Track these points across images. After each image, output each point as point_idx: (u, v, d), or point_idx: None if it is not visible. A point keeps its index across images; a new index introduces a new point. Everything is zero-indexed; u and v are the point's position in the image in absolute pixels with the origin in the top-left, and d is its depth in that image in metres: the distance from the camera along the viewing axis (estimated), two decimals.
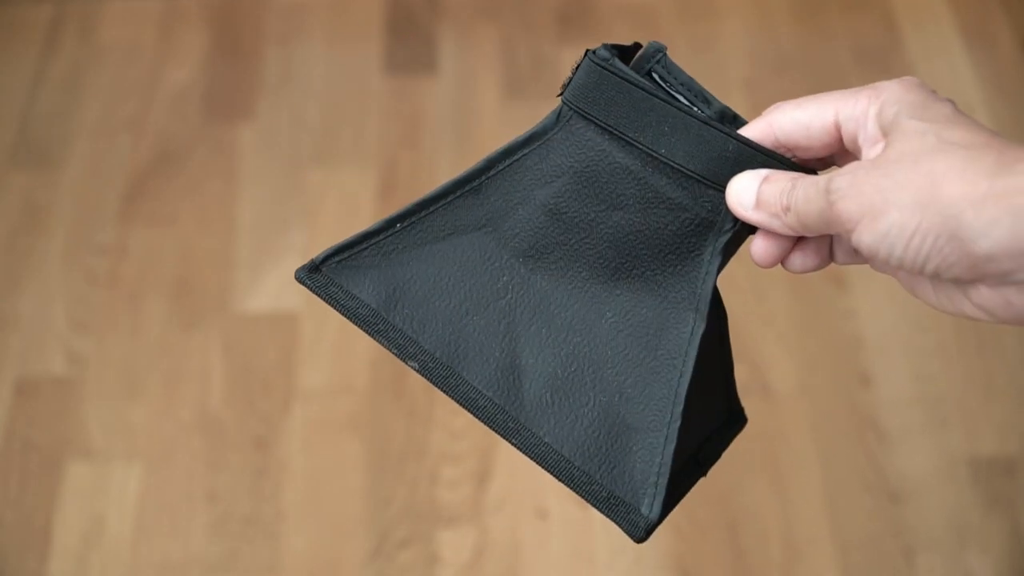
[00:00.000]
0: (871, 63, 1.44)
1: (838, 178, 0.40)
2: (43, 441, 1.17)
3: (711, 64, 1.45)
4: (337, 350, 1.22)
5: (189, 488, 1.14)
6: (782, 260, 0.45)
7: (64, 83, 1.46)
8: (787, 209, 0.42)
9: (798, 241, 0.45)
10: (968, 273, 0.38)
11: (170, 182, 1.36)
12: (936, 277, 0.39)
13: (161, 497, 1.14)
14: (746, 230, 0.45)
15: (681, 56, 1.45)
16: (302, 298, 1.26)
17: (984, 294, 0.38)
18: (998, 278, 0.37)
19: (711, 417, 0.48)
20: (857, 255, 0.45)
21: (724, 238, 0.45)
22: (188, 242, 1.31)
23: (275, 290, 1.27)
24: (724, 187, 0.44)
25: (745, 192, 0.43)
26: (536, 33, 1.50)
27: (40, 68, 1.47)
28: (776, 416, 1.16)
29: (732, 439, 0.48)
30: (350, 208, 1.33)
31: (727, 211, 0.44)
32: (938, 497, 1.12)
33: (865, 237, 0.39)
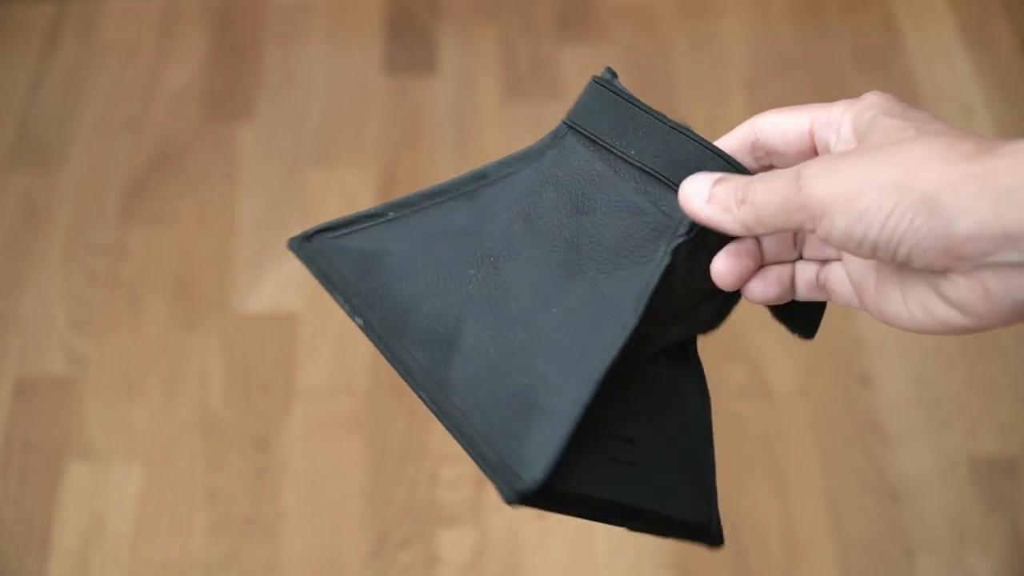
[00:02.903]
0: (871, 63, 1.44)
1: (810, 165, 0.39)
2: (43, 441, 1.17)
3: (711, 64, 1.45)
4: (337, 350, 1.22)
5: (189, 488, 1.14)
6: (742, 283, 0.45)
7: (64, 83, 1.46)
8: (742, 202, 0.42)
9: (760, 268, 0.45)
10: (942, 258, 0.37)
11: (170, 182, 1.36)
12: (907, 265, 0.38)
13: (161, 497, 1.14)
14: (712, 240, 0.45)
15: (681, 56, 1.46)
16: (302, 298, 1.27)
17: (959, 285, 0.38)
18: (974, 260, 0.36)
19: (676, 494, 0.48)
20: (818, 288, 0.45)
21: (677, 241, 0.45)
22: (188, 242, 1.31)
23: (275, 290, 1.27)
24: None
25: (697, 189, 0.43)
26: (536, 33, 1.50)
27: (40, 68, 1.47)
28: (776, 417, 1.16)
29: (685, 539, 0.48)
30: (350, 208, 1.33)
31: (683, 214, 0.45)
32: (938, 497, 1.12)
33: (839, 220, 0.38)
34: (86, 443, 1.17)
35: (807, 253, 0.46)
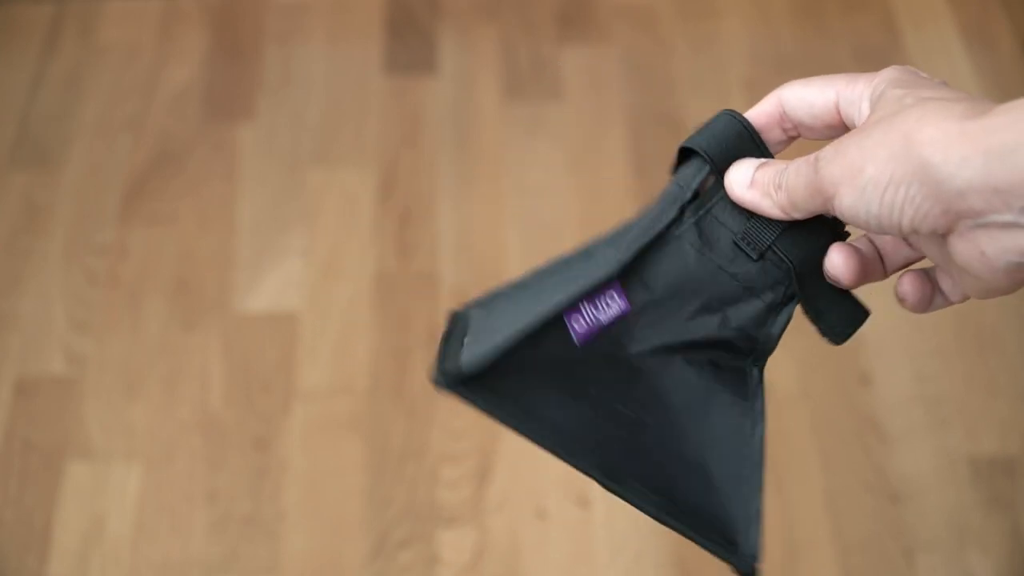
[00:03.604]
0: (871, 63, 1.44)
1: (826, 147, 0.41)
2: (43, 441, 1.17)
3: (711, 64, 1.45)
4: (337, 350, 1.22)
5: (189, 488, 1.14)
6: (856, 280, 0.45)
7: (64, 83, 1.46)
8: (779, 187, 0.43)
9: (880, 270, 0.46)
10: (942, 220, 0.37)
11: (170, 182, 1.36)
12: (916, 233, 0.39)
13: (161, 497, 1.14)
14: (724, 216, 0.45)
15: (681, 56, 1.46)
16: (302, 298, 1.27)
17: (960, 249, 0.38)
18: (971, 220, 0.37)
19: (699, 495, 0.48)
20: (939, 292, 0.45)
21: (683, 200, 0.46)
22: (188, 242, 1.31)
23: (275, 290, 1.27)
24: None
25: (741, 175, 0.45)
26: (536, 33, 1.50)
27: (40, 68, 1.47)
28: (776, 416, 1.16)
29: (711, 549, 0.48)
30: (350, 208, 1.33)
31: (692, 182, 0.45)
32: (938, 497, 1.12)
33: (846, 199, 0.39)
34: (86, 443, 1.17)
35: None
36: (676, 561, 1.09)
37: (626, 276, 0.45)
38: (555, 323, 0.44)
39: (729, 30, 1.49)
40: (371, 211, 1.33)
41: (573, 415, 0.45)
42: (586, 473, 0.45)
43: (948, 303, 0.46)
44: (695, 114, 1.37)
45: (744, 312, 0.46)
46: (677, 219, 0.46)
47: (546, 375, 0.44)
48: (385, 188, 1.35)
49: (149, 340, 1.24)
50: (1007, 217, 0.36)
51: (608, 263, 0.45)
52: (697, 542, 0.47)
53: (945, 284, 0.45)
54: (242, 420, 1.18)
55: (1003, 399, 1.18)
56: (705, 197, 0.46)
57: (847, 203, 0.39)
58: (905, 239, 0.45)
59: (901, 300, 0.45)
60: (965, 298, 0.45)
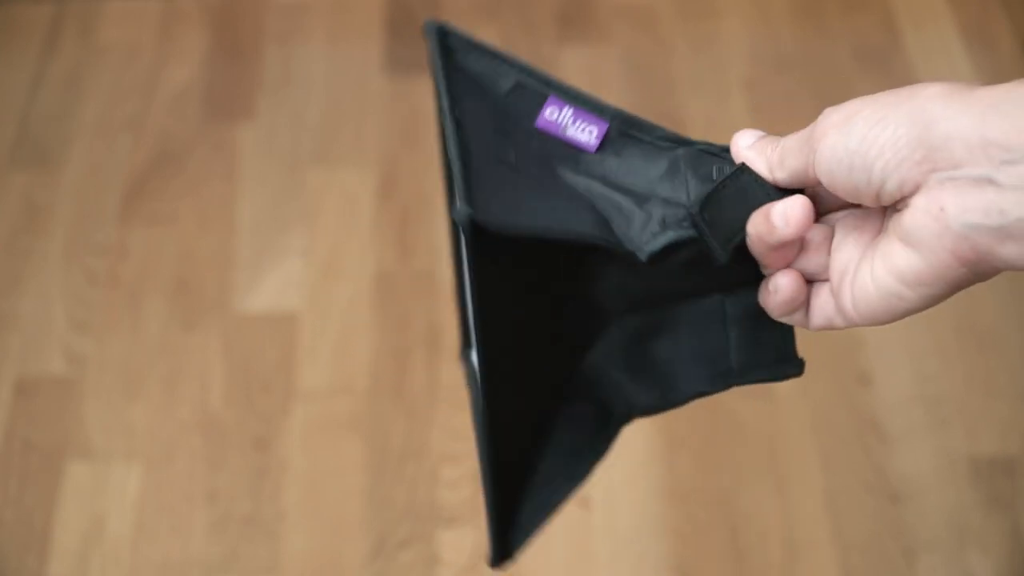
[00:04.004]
0: (871, 63, 1.44)
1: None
2: (43, 441, 1.17)
3: (711, 64, 1.45)
4: (337, 350, 1.22)
5: (189, 488, 1.14)
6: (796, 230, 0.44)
7: (64, 83, 1.46)
8: (776, 146, 0.44)
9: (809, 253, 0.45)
10: (915, 170, 0.37)
11: (170, 182, 1.36)
12: (880, 190, 0.39)
13: (161, 497, 1.14)
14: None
15: (681, 56, 1.46)
16: (302, 298, 1.27)
17: (918, 209, 0.38)
18: (943, 173, 0.37)
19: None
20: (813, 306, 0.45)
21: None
22: (188, 242, 1.31)
23: (275, 290, 1.27)
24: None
25: (746, 136, 0.46)
26: (536, 33, 1.50)
27: (40, 68, 1.47)
28: (776, 417, 1.16)
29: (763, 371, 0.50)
30: (350, 208, 1.33)
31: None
32: (938, 497, 1.12)
33: (830, 139, 0.40)
34: (86, 443, 1.17)
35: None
36: (676, 562, 1.09)
37: (612, 136, 0.48)
38: (536, 97, 0.48)
39: (729, 30, 1.49)
40: (371, 211, 1.33)
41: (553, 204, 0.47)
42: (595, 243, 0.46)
43: (804, 321, 0.45)
44: (695, 114, 1.37)
45: (652, 211, 0.47)
46: (680, 142, 0.48)
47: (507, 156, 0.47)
48: (385, 188, 1.35)
49: (149, 340, 1.24)
50: (982, 170, 0.36)
51: (612, 111, 0.48)
52: None
53: (819, 301, 0.45)
54: (242, 420, 1.18)
55: (1003, 399, 1.18)
56: (710, 148, 0.48)
57: (829, 143, 0.40)
58: (857, 199, 0.42)
59: (773, 291, 0.45)
60: (829, 323, 0.44)
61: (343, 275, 1.28)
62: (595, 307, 0.50)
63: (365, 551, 1.10)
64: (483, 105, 0.48)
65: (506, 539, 0.50)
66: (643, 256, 0.45)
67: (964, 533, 1.10)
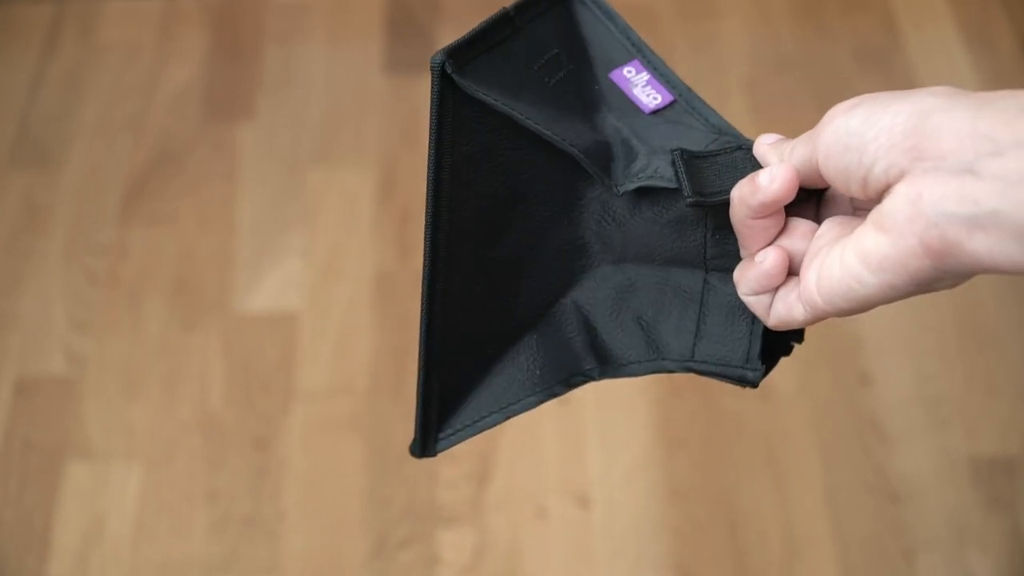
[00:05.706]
0: (871, 63, 1.44)
1: None
2: (43, 441, 1.17)
3: (711, 64, 1.45)
4: (337, 350, 1.22)
5: (189, 488, 1.14)
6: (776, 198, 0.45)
7: (64, 83, 1.46)
8: (788, 143, 0.45)
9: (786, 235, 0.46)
10: (903, 157, 0.38)
11: (170, 182, 1.36)
12: (869, 173, 0.39)
13: (161, 497, 1.14)
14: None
15: (681, 56, 1.46)
16: (302, 298, 1.27)
17: (897, 194, 0.38)
18: (929, 163, 0.37)
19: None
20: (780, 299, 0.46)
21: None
22: (188, 242, 1.31)
23: (275, 290, 1.27)
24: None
25: (769, 137, 0.46)
26: None
27: (40, 68, 1.47)
28: (776, 416, 1.16)
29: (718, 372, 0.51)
30: (350, 208, 1.33)
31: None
32: (938, 497, 1.12)
33: (836, 120, 0.41)
34: (86, 443, 1.17)
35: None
36: (676, 562, 1.09)
37: (675, 107, 0.51)
38: (623, 54, 0.53)
39: (729, 30, 1.49)
40: (371, 211, 1.33)
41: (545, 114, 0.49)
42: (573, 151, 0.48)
43: (767, 309, 0.47)
44: None
45: (653, 160, 0.48)
46: (723, 132, 0.49)
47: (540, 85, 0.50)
48: (385, 188, 1.35)
49: (149, 340, 1.24)
50: (966, 160, 0.36)
51: (682, 88, 0.51)
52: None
53: (784, 290, 0.46)
54: (242, 420, 1.18)
55: (1003, 399, 1.18)
56: (744, 143, 0.48)
57: (833, 126, 0.41)
58: (847, 186, 0.43)
59: (759, 260, 0.45)
60: (788, 312, 0.46)
61: (343, 275, 1.28)
62: (579, 243, 0.51)
63: (365, 551, 1.10)
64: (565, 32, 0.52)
65: (431, 434, 0.52)
66: (618, 190, 0.48)
67: (964, 533, 1.10)
